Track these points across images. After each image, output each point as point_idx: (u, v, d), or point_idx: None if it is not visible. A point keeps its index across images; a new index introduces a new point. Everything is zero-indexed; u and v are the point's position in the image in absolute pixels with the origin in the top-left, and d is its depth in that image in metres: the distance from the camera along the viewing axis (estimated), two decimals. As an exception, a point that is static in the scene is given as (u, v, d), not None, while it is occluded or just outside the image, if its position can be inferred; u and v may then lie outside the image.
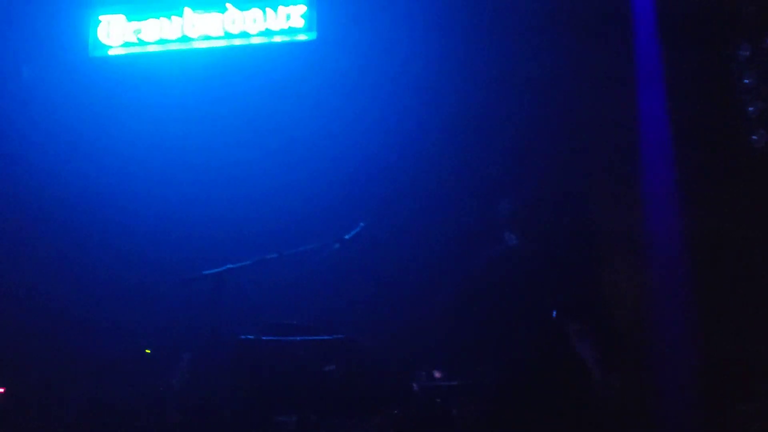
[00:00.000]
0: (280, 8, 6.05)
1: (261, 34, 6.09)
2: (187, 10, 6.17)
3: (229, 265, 4.13)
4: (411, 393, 4.23)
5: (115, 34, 6.34)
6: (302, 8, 6.04)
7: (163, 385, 4.85)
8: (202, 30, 6.14)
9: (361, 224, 4.30)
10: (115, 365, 5.31)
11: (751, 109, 4.88)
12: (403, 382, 4.25)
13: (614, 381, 3.97)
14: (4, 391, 5.26)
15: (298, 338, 4.05)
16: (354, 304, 4.84)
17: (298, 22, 6.03)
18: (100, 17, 6.37)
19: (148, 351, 5.25)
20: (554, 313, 3.93)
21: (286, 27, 6.04)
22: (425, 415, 4.21)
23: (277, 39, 6.06)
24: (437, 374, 4.36)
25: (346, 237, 4.33)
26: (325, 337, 4.05)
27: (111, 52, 6.40)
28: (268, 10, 6.07)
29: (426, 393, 4.25)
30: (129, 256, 5.44)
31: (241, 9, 6.10)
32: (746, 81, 4.93)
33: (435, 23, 5.45)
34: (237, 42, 6.11)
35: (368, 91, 5.54)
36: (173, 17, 6.21)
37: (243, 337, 4.10)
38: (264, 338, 4.09)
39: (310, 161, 5.31)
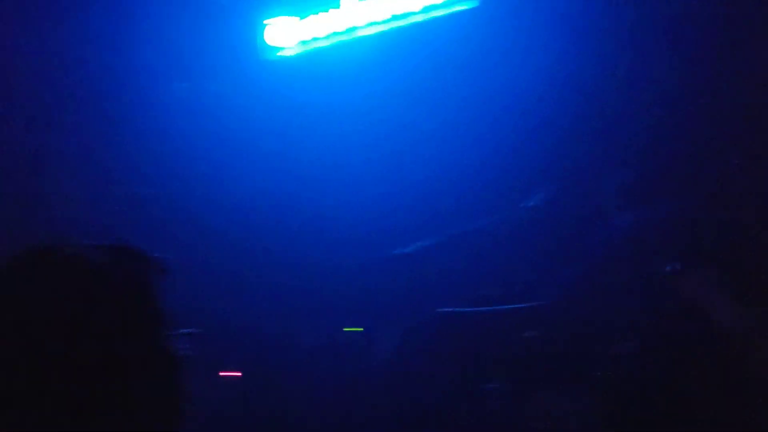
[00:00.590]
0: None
1: (423, 11, 6.08)
2: (347, 1, 6.31)
3: (422, 242, 4.25)
4: (613, 358, 4.15)
5: (283, 35, 6.62)
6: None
7: (367, 363, 5.07)
8: (367, 18, 6.25)
9: (553, 188, 4.26)
10: (321, 345, 5.61)
11: None
12: (605, 348, 4.16)
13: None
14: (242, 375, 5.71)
15: (498, 307, 4.10)
16: (548, 272, 4.78)
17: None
18: (266, 21, 6.67)
19: (346, 330, 5.48)
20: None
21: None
22: (628, 380, 4.11)
23: (438, 13, 6.04)
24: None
25: (531, 204, 4.32)
26: (524, 305, 4.06)
27: (281, 54, 6.69)
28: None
29: (627, 358, 4.15)
30: (331, 239, 5.69)
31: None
32: None
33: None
34: (400, 23, 6.15)
35: (533, 58, 5.40)
36: (337, 10, 6.38)
37: (442, 310, 4.21)
38: (462, 310, 4.18)
39: (488, 133, 5.27)
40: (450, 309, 4.33)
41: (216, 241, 6.03)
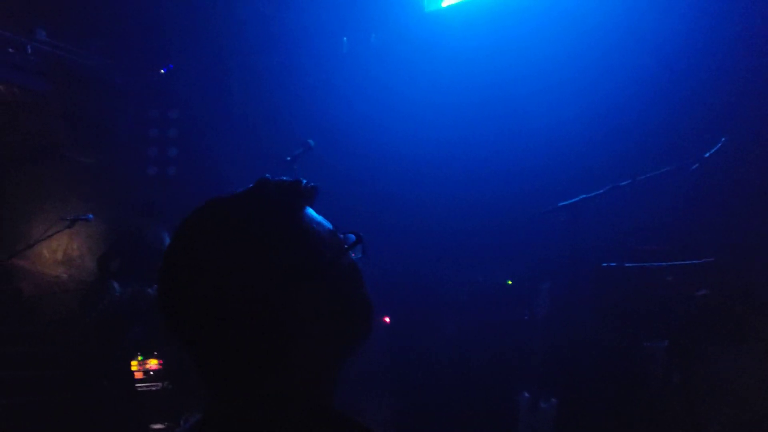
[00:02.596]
0: None
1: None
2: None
3: (584, 195, 4.17)
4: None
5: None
6: None
7: (527, 314, 5.11)
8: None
9: (723, 139, 4.00)
10: (478, 295, 5.71)
11: None
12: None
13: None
14: (389, 321, 6.00)
15: (664, 264, 3.96)
16: (715, 226, 4.52)
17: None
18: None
19: (509, 282, 5.54)
20: None
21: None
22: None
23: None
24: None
25: (706, 155, 4.08)
26: (694, 261, 3.89)
27: (444, 4, 6.71)
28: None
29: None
30: (489, 193, 5.73)
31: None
32: None
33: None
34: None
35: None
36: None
37: (605, 264, 4.12)
38: (627, 265, 4.07)
39: (655, 78, 5.01)
40: (614, 263, 4.23)
41: (373, 188, 6.23)
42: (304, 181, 1.23)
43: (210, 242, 1.14)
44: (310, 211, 1.22)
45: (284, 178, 1.23)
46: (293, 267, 1.13)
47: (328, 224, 1.22)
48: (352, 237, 1.24)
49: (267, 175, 1.23)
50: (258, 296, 1.11)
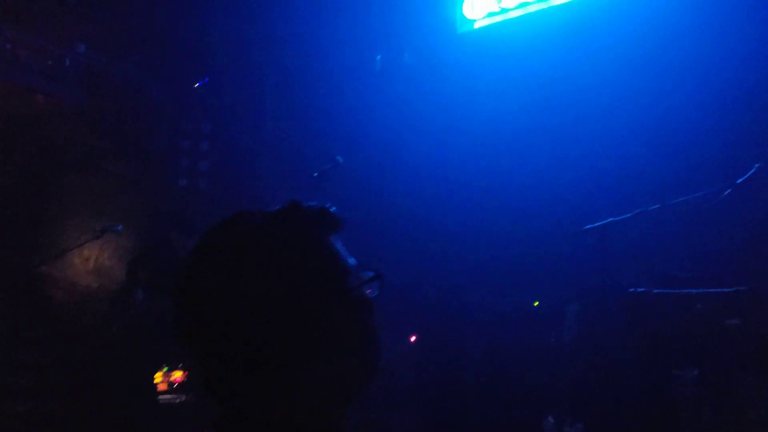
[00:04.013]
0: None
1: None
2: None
3: (612, 218, 4.12)
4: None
5: (478, 6, 6.64)
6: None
7: (553, 337, 5.04)
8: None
9: (757, 165, 3.93)
10: (505, 317, 5.66)
11: None
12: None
13: None
14: (416, 339, 5.96)
15: (694, 291, 3.88)
16: (748, 253, 4.43)
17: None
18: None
19: (536, 303, 5.47)
20: None
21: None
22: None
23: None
24: None
25: (738, 181, 4.00)
26: (726, 290, 3.81)
27: (476, 26, 6.71)
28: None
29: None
30: (517, 214, 5.70)
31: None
32: None
33: None
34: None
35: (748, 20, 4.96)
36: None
37: (633, 290, 4.06)
38: (656, 291, 4.00)
39: (689, 102, 4.95)
40: (643, 289, 4.16)
41: (401, 208, 6.22)
42: (333, 208, 1.23)
43: (232, 256, 1.14)
44: (335, 242, 1.22)
45: (314, 204, 1.23)
46: (311, 293, 1.13)
47: (349, 257, 1.22)
48: (371, 274, 1.23)
49: (295, 198, 1.23)
50: (273, 317, 1.10)
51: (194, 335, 1.14)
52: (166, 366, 5.84)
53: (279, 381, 1.11)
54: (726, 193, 3.96)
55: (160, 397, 5.74)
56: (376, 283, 1.22)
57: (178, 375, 5.82)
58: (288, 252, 1.14)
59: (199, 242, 1.18)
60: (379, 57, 7.36)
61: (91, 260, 7.68)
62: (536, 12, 6.29)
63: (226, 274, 1.12)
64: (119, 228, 5.93)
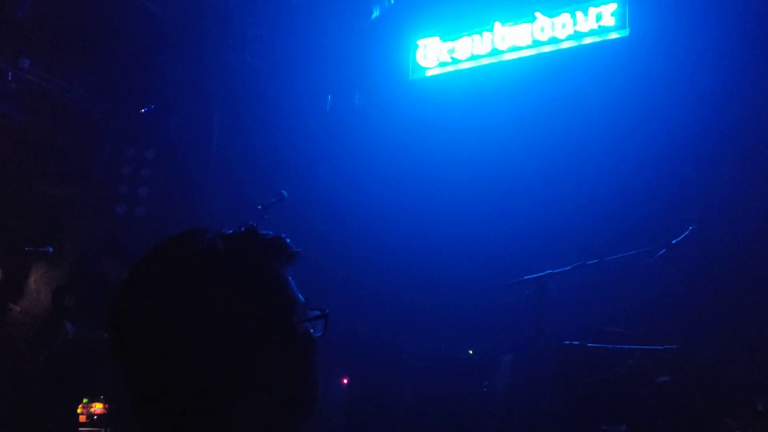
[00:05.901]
0: (591, 9, 5.97)
1: (570, 38, 6.05)
2: (497, 25, 6.37)
3: (550, 270, 4.17)
4: (756, 413, 3.85)
5: (431, 55, 6.77)
6: (613, 6, 5.90)
7: (486, 386, 5.04)
8: (511, 42, 6.29)
9: (691, 227, 4.05)
10: (439, 364, 5.64)
11: None
12: (747, 401, 3.88)
13: None
14: (348, 382, 5.87)
15: (626, 347, 3.93)
16: (683, 312, 4.54)
17: (609, 21, 5.90)
18: (419, 41, 6.85)
19: (470, 351, 5.48)
20: None
21: (596, 27, 5.94)
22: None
23: (588, 40, 5.97)
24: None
25: (674, 241, 4.12)
26: (658, 347, 3.87)
27: (428, 74, 6.83)
28: (578, 13, 6.02)
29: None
30: (456, 262, 5.73)
31: (550, 16, 6.13)
32: None
33: (755, 22, 4.94)
34: (546, 49, 6.14)
35: (685, 86, 5.19)
36: (484, 33, 6.45)
37: (567, 342, 4.09)
38: (589, 344, 4.04)
39: (628, 162, 5.11)
40: (577, 342, 4.20)
41: (342, 247, 6.20)
42: (288, 239, 1.19)
43: (178, 274, 1.09)
44: (286, 275, 1.18)
45: (269, 233, 1.19)
46: (255, 323, 1.09)
47: (298, 293, 1.18)
48: (317, 312, 1.19)
49: (252, 223, 1.19)
50: (211, 344, 1.05)
51: (126, 356, 1.08)
52: (86, 398, 5.60)
53: (211, 411, 1.06)
54: (661, 252, 4.06)
55: (80, 429, 5.50)
56: (320, 323, 1.19)
57: (98, 407, 5.60)
58: (238, 277, 1.10)
59: (144, 256, 1.13)
60: (330, 96, 7.41)
61: (18, 282, 7.37)
62: (487, 65, 6.44)
63: (168, 293, 1.07)
64: (50, 250, 5.72)
